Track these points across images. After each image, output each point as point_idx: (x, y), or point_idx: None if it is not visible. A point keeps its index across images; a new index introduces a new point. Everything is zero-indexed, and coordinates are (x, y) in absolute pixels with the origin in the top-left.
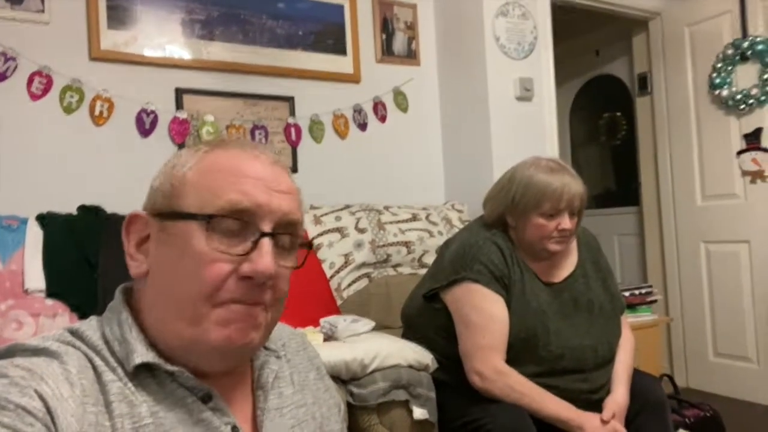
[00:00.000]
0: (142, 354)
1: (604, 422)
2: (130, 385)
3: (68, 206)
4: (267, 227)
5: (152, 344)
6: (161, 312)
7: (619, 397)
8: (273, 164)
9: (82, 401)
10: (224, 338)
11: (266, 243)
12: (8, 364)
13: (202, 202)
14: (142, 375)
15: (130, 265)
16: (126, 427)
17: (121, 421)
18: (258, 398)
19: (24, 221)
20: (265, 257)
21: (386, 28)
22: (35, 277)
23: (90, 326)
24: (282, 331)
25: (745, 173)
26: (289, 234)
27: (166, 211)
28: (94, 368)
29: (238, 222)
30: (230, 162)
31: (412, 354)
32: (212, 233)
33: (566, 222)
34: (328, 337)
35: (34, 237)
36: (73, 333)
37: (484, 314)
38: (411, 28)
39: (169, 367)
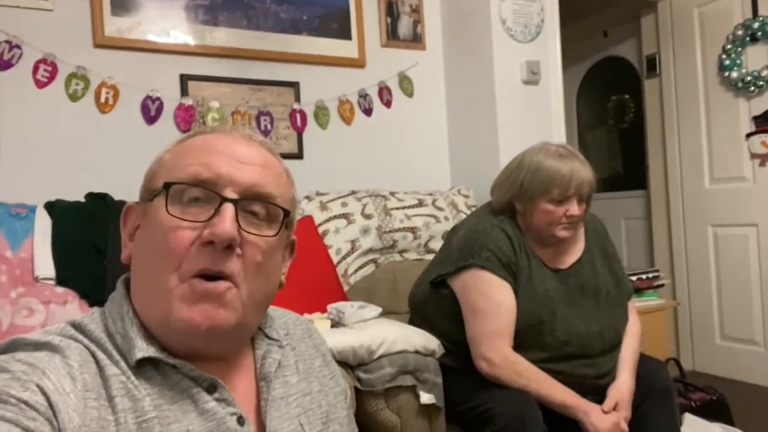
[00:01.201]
0: (142, 349)
1: (605, 413)
2: (133, 378)
3: (75, 194)
4: (231, 195)
5: (154, 336)
6: (142, 295)
7: (621, 384)
8: (247, 140)
9: (83, 396)
10: (189, 320)
11: (228, 208)
12: (10, 359)
13: (167, 178)
14: (145, 368)
15: (122, 253)
16: (129, 421)
17: (124, 415)
18: (261, 388)
19: (32, 209)
20: (225, 221)
21: (391, 11)
22: (45, 265)
23: (93, 319)
24: (287, 318)
25: (753, 156)
26: (263, 204)
27: (144, 194)
28: (97, 362)
29: (201, 190)
30: (203, 142)
31: (419, 339)
32: (174, 203)
33: (574, 208)
34: (336, 323)
35: (43, 225)
36: (76, 327)
37: (492, 301)
38: (416, 11)
39: (171, 361)
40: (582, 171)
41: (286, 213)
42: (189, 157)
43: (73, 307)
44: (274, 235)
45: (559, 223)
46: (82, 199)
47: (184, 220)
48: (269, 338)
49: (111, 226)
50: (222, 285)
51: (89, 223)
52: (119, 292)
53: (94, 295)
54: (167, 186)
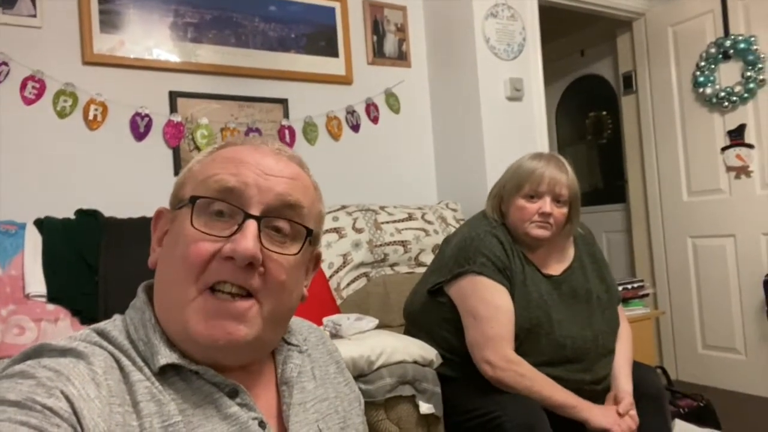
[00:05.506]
0: (165, 355)
1: (621, 415)
2: (157, 384)
3: (64, 211)
4: (255, 211)
5: (175, 343)
6: (163, 303)
7: (628, 387)
8: (276, 153)
9: (108, 402)
10: (207, 335)
11: (250, 225)
12: (36, 365)
13: (195, 189)
14: (168, 373)
15: (149, 258)
16: (155, 425)
17: (150, 420)
18: (283, 393)
19: (22, 226)
20: (246, 239)
21: (377, 30)
22: (36, 282)
23: (115, 326)
24: (301, 325)
25: (729, 169)
26: (287, 220)
27: (173, 202)
28: (121, 368)
29: (226, 205)
30: (233, 153)
31: (417, 350)
32: (200, 215)
33: (547, 206)
34: (333, 336)
35: (33, 242)
36: (100, 333)
37: (491, 305)
38: (401, 30)
39: (194, 367)
40: (557, 172)
41: (309, 231)
42: (217, 168)
43: (64, 325)
44: (297, 254)
45: (531, 220)
46: (72, 217)
47: (208, 234)
48: (289, 344)
49: (102, 243)
50: (244, 304)
51: (80, 239)
52: (140, 299)
53: (86, 312)
54: (193, 199)
